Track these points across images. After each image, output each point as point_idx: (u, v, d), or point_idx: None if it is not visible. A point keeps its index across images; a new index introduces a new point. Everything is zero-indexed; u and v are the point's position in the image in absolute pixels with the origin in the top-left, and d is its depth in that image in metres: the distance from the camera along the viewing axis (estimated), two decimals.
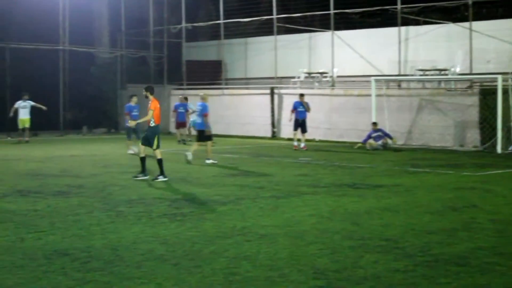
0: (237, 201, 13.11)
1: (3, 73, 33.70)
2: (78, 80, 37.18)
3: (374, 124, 27.28)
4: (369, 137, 26.98)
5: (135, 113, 24.30)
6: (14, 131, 31.95)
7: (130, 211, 11.84)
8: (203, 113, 20.91)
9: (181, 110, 30.11)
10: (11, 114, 29.96)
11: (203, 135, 21.06)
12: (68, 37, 36.12)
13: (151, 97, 16.84)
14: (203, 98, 21.50)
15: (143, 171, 16.71)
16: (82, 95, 37.78)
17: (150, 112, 16.62)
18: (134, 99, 24.57)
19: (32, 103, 29.85)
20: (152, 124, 16.69)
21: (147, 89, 16.98)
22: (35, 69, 35.51)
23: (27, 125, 29.79)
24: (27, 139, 29.51)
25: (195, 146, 21.51)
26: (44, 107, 30.17)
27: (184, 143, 28.95)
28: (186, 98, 32.11)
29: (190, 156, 20.68)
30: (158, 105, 16.84)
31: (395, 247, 9.03)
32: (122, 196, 13.68)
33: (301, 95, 27.35)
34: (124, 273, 7.65)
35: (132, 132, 24.00)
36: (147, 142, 16.67)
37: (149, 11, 40.16)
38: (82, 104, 38.05)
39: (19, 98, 30.13)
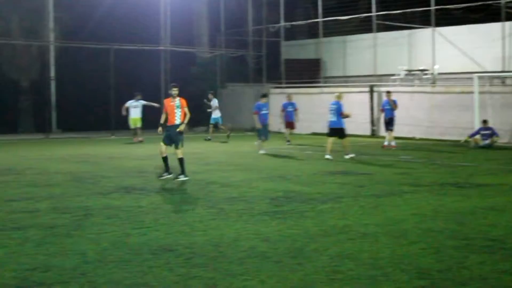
0: (337, 199, 13.06)
1: (107, 73, 34.62)
2: (179, 80, 37.60)
3: (484, 122, 26.57)
4: (478, 133, 26.35)
5: (264, 111, 24.21)
6: (118, 129, 32.81)
7: (231, 208, 11.97)
8: (339, 111, 21.22)
9: (289, 109, 29.41)
10: (124, 112, 29.66)
11: (341, 133, 21.63)
12: (169, 37, 36.82)
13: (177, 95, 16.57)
14: (338, 97, 21.73)
15: (167, 170, 16.30)
16: (183, 94, 38.32)
17: (186, 109, 16.45)
18: (264, 99, 24.56)
19: (144, 102, 29.69)
20: (178, 122, 16.39)
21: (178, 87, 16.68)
22: (138, 69, 36.37)
23: (139, 124, 29.64)
24: (140, 139, 29.36)
25: (329, 144, 21.67)
26: (156, 105, 29.96)
27: (289, 144, 28.44)
28: (213, 94, 32.06)
29: (329, 156, 21.31)
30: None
31: (502, 247, 8.79)
32: (223, 194, 13.84)
33: (388, 93, 27.05)
34: (227, 269, 7.74)
35: (262, 132, 24.04)
36: (171, 141, 16.29)
37: (248, 10, 40.49)
38: None
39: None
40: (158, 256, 8.38)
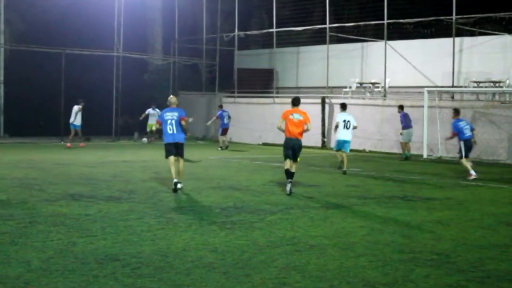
0: (287, 210, 13.08)
1: (58, 78, 34.11)
2: (131, 87, 37.58)
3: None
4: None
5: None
6: (67, 135, 32.39)
7: (180, 218, 11.89)
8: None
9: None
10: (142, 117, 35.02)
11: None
12: (122, 43, 36.51)
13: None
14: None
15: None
16: (135, 101, 38.18)
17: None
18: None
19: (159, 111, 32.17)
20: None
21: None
22: (90, 75, 36.04)
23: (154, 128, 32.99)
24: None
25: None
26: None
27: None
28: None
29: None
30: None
31: (447, 261, 8.89)
32: (173, 203, 13.76)
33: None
34: (173, 280, 7.67)
35: None
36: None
37: (202, 18, 40.42)
38: (134, 110, 38.46)
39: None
40: (104, 265, 8.27)
